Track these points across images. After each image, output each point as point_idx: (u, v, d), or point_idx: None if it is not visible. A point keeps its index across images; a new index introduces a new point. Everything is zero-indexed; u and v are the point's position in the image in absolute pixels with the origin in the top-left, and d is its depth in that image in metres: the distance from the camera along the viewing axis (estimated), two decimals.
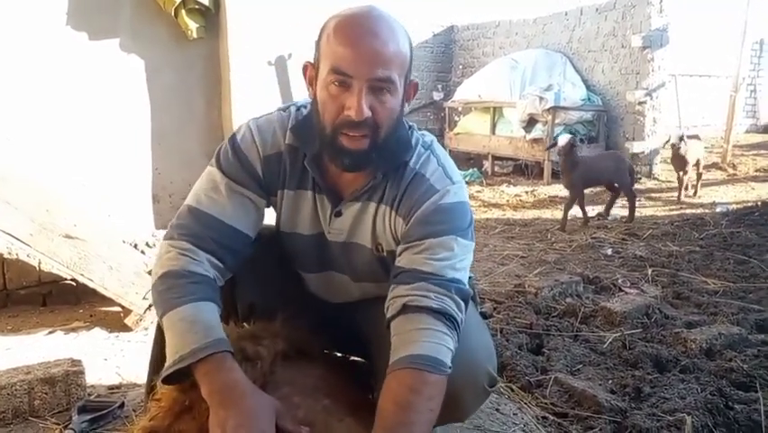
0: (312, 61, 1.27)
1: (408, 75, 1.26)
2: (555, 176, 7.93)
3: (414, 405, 1.12)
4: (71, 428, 1.69)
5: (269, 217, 1.47)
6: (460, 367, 1.21)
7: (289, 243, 1.45)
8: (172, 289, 1.21)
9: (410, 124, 1.38)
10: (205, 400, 1.11)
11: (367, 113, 1.18)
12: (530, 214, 5.93)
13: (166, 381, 1.17)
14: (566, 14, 9.09)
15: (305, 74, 1.30)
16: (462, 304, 1.24)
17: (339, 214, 1.36)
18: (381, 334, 1.27)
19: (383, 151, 1.25)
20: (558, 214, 6.02)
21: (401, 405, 1.11)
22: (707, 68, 12.74)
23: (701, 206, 6.29)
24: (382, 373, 1.21)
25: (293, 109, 1.38)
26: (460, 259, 1.27)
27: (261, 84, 3.08)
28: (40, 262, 2.86)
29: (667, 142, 6.22)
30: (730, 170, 8.27)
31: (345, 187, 1.35)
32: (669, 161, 6.33)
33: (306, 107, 1.37)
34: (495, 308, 3.03)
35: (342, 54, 1.17)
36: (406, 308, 1.21)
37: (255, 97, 3.02)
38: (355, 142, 1.21)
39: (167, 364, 1.16)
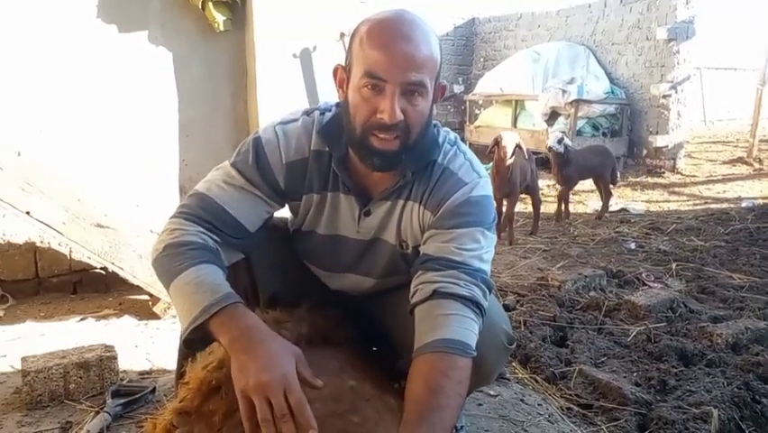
0: (343, 64, 1.29)
1: (438, 77, 1.28)
2: None
3: (445, 389, 1.14)
4: (106, 411, 1.73)
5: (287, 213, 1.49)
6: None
7: (306, 242, 1.47)
8: (173, 259, 1.23)
9: (435, 122, 1.40)
10: (231, 380, 1.11)
11: (399, 116, 1.20)
12: (552, 207, 5.89)
13: (187, 344, 1.20)
14: (590, 6, 8.99)
15: (335, 76, 1.32)
16: (487, 292, 1.29)
17: (368, 213, 1.39)
18: (404, 319, 1.29)
19: (413, 151, 1.28)
20: (580, 208, 6.00)
21: (433, 389, 1.13)
22: (733, 61, 12.51)
23: (726, 200, 6.21)
24: (406, 356, 1.23)
25: (317, 114, 1.39)
26: (486, 251, 1.30)
27: (287, 76, 3.09)
28: (71, 251, 2.94)
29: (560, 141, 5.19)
30: (756, 165, 8.13)
31: (374, 186, 1.37)
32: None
33: (330, 111, 1.39)
34: (518, 301, 3.03)
35: (376, 58, 1.19)
36: (436, 294, 1.23)
37: (280, 89, 3.04)
38: (386, 143, 1.24)
39: (183, 328, 1.18)
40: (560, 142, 5.08)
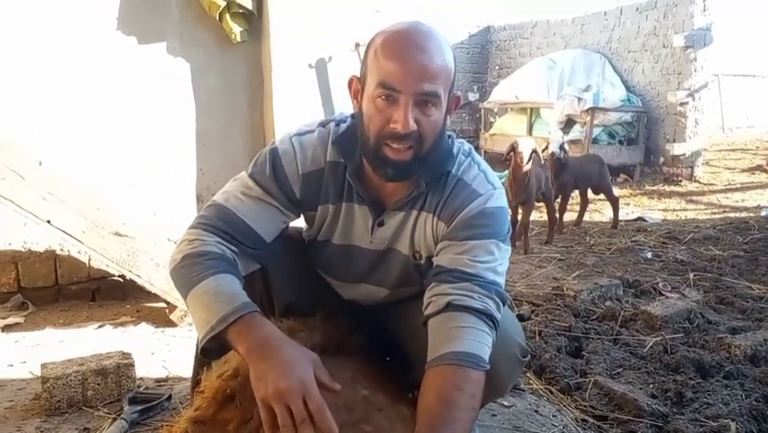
0: (358, 75, 1.31)
1: (452, 89, 1.29)
2: None
3: (458, 402, 1.14)
4: (123, 418, 1.75)
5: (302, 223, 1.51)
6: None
7: (321, 252, 1.49)
8: (191, 269, 1.25)
9: (449, 133, 1.41)
10: (247, 390, 1.13)
11: (413, 126, 1.22)
12: (567, 217, 5.86)
13: (204, 353, 1.22)
14: (605, 14, 8.97)
15: (350, 87, 1.34)
16: (501, 305, 1.28)
17: (382, 223, 1.40)
18: (417, 333, 1.30)
19: (426, 162, 1.29)
20: (596, 216, 5.95)
21: (445, 402, 1.14)
22: (752, 67, 12.39)
23: (745, 209, 6.13)
24: (419, 368, 1.24)
25: (332, 125, 1.41)
26: (500, 263, 1.31)
27: (302, 86, 3.13)
28: (90, 259, 2.98)
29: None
30: None
31: (387, 197, 1.39)
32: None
33: (345, 122, 1.41)
34: (533, 311, 3.02)
35: (391, 69, 1.20)
36: (449, 306, 1.24)
37: (296, 99, 3.08)
38: (399, 153, 1.25)
39: (200, 337, 1.20)
40: (561, 148, 4.95)
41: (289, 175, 1.37)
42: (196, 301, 1.23)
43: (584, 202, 5.52)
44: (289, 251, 1.48)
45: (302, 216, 1.47)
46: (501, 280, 1.30)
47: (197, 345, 1.55)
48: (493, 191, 1.34)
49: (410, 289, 1.44)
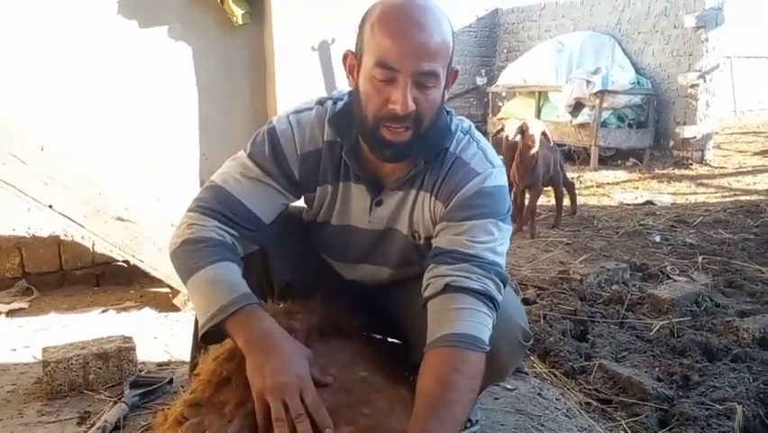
0: (353, 50, 1.27)
1: (451, 63, 1.26)
2: (602, 162, 7.77)
3: (456, 384, 1.12)
4: (124, 402, 1.76)
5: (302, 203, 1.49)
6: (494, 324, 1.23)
7: (321, 232, 1.47)
8: (192, 255, 1.25)
9: (448, 109, 1.38)
10: (243, 372, 1.14)
11: (412, 107, 1.18)
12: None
13: (204, 340, 1.22)
14: None
15: (345, 62, 1.30)
16: (501, 286, 1.25)
17: (380, 203, 1.38)
18: (417, 314, 1.28)
19: (424, 140, 1.26)
20: (605, 201, 5.90)
21: (444, 383, 1.12)
22: (764, 49, 12.17)
23: (756, 192, 6.05)
24: (419, 350, 1.22)
25: (330, 103, 1.38)
26: (500, 243, 1.28)
27: (305, 69, 3.09)
28: (93, 244, 2.99)
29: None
30: None
31: (385, 176, 1.36)
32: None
33: (342, 99, 1.38)
34: (538, 295, 2.99)
35: (388, 47, 1.16)
36: (448, 288, 1.21)
37: (299, 83, 3.04)
38: (398, 134, 1.22)
39: (200, 325, 1.20)
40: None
41: (288, 156, 1.34)
42: (196, 288, 1.23)
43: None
44: (289, 231, 1.46)
45: (303, 197, 1.44)
46: (501, 260, 1.27)
47: (195, 330, 1.55)
48: (492, 169, 1.31)
49: (413, 269, 1.41)
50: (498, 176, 1.31)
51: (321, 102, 1.39)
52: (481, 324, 1.19)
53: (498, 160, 1.35)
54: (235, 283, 1.22)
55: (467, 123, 1.40)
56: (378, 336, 1.61)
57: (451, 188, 1.30)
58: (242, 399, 1.15)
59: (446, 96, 1.29)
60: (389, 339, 1.62)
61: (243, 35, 3.13)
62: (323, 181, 1.39)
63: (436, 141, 1.31)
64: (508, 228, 1.31)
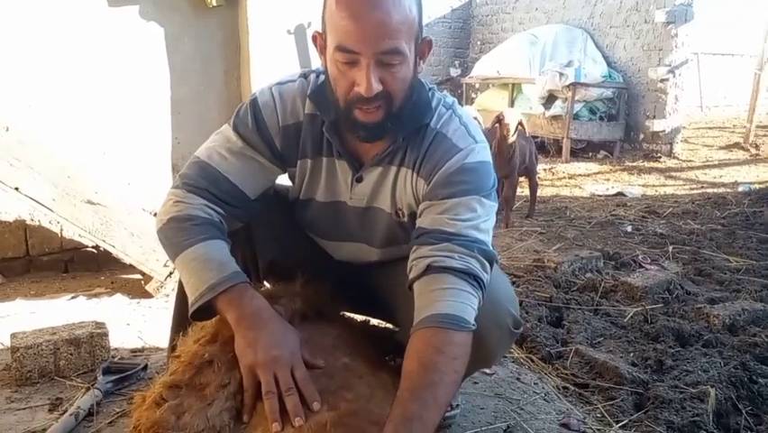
0: (320, 31, 1.25)
1: (419, 36, 1.22)
2: (574, 154, 7.86)
3: (438, 365, 1.11)
4: (97, 388, 1.70)
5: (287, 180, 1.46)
6: (483, 307, 1.21)
7: (306, 210, 1.45)
8: (179, 232, 1.25)
9: (431, 86, 1.36)
10: (226, 354, 1.15)
11: (377, 88, 1.16)
12: (548, 191, 5.88)
13: (194, 317, 1.23)
14: None
15: (315, 43, 1.28)
16: (487, 264, 1.23)
17: (360, 179, 1.36)
18: (404, 294, 1.26)
19: (399, 118, 1.24)
20: (577, 192, 5.97)
21: (426, 365, 1.11)
22: (730, 46, 12.45)
23: (723, 185, 6.20)
24: (406, 333, 1.21)
25: (313, 77, 1.36)
26: (483, 220, 1.25)
27: (281, 53, 3.05)
28: (62, 229, 2.90)
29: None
30: (753, 150, 8.12)
31: (366, 152, 1.34)
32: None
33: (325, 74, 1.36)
34: (514, 282, 3.01)
35: (347, 29, 1.13)
36: (429, 269, 1.20)
37: (274, 66, 3.00)
38: (369, 115, 1.20)
39: (190, 303, 1.21)
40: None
41: (270, 128, 1.33)
42: (185, 266, 1.24)
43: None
44: (274, 208, 1.44)
45: (287, 173, 1.42)
46: (485, 237, 1.24)
47: (175, 313, 1.51)
48: (474, 145, 1.28)
49: (401, 249, 1.38)
50: (480, 151, 1.29)
51: (305, 75, 1.37)
52: (464, 303, 1.17)
53: (481, 135, 1.32)
54: (225, 261, 1.22)
55: (450, 98, 1.37)
56: (360, 318, 1.59)
57: (432, 165, 1.27)
58: (224, 381, 1.14)
59: (421, 68, 1.26)
60: (373, 321, 1.61)
61: (218, 17, 3.06)
62: (303, 156, 1.37)
63: (414, 117, 1.28)
64: (493, 204, 1.28)
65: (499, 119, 4.23)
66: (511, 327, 1.33)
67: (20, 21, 2.67)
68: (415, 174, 1.31)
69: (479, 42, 11.10)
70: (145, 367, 1.88)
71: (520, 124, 4.20)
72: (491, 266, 1.24)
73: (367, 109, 1.19)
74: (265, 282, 1.48)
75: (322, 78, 1.34)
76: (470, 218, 1.23)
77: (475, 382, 1.88)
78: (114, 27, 2.85)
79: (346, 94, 1.19)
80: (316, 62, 3.09)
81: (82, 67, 2.82)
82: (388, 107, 1.20)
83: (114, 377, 1.78)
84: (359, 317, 1.62)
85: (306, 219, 1.47)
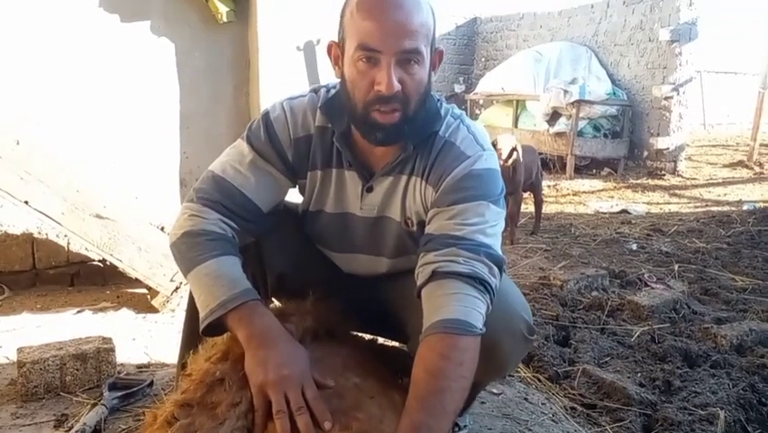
0: (336, 40, 1.27)
1: (434, 44, 1.26)
2: (578, 171, 7.87)
3: (444, 372, 1.10)
4: (102, 404, 1.70)
5: (298, 196, 1.47)
6: (494, 314, 1.20)
7: (315, 222, 1.45)
8: (193, 247, 1.25)
9: (438, 96, 1.38)
10: (237, 373, 1.14)
11: (397, 86, 1.18)
12: (553, 208, 5.88)
13: (205, 333, 1.22)
14: (592, 7, 8.97)
15: (329, 54, 1.30)
16: (495, 269, 1.21)
17: (371, 189, 1.37)
18: (413, 306, 1.26)
19: (414, 123, 1.25)
20: (582, 209, 5.97)
21: (432, 372, 1.10)
22: (733, 65, 12.51)
23: (727, 203, 6.19)
24: (416, 344, 1.20)
25: (323, 91, 1.38)
26: (491, 225, 1.24)
27: (290, 69, 3.06)
28: (68, 243, 2.91)
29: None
30: (757, 169, 8.12)
31: (376, 162, 1.35)
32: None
33: (335, 88, 1.38)
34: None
35: (368, 29, 1.17)
36: (435, 275, 1.19)
37: (283, 82, 3.01)
38: (387, 116, 1.21)
39: (201, 319, 1.21)
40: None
41: (282, 141, 1.35)
42: (197, 282, 1.24)
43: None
44: (284, 222, 1.45)
45: (298, 186, 1.43)
46: (492, 241, 1.23)
47: (185, 330, 1.51)
48: (482, 152, 1.29)
49: (410, 260, 1.37)
50: (488, 159, 1.29)
51: (315, 90, 1.40)
52: (468, 307, 1.15)
53: (488, 143, 1.33)
54: (236, 278, 1.22)
55: (457, 110, 1.39)
56: (369, 337, 1.59)
57: (440, 172, 1.28)
58: (235, 400, 1.12)
59: (434, 77, 1.29)
60: (381, 339, 1.60)
61: (228, 33, 3.08)
62: (313, 167, 1.38)
63: (426, 124, 1.30)
64: (500, 211, 1.27)
65: (493, 144, 4.23)
66: (525, 334, 1.31)
67: (32, 35, 2.69)
68: (423, 182, 1.32)
69: (483, 59, 11.18)
70: (151, 383, 1.87)
71: (514, 149, 4.20)
72: (500, 270, 1.23)
73: (385, 111, 1.21)
74: (273, 298, 1.48)
75: (332, 92, 1.36)
76: (478, 223, 1.22)
77: (483, 402, 1.87)
78: (125, 42, 2.87)
79: (365, 95, 1.21)
80: (325, 79, 3.12)
81: (93, 81, 2.83)
82: (404, 110, 1.22)
83: (120, 393, 1.77)
84: (368, 337, 1.61)
85: (316, 231, 1.48)
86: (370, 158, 1.35)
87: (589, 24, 8.96)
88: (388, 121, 1.22)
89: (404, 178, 1.34)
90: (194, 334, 1.32)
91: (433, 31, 1.24)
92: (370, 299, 1.49)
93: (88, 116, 2.84)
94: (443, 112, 1.34)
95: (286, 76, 3.03)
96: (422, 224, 1.33)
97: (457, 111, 1.38)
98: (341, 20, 1.24)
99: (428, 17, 1.22)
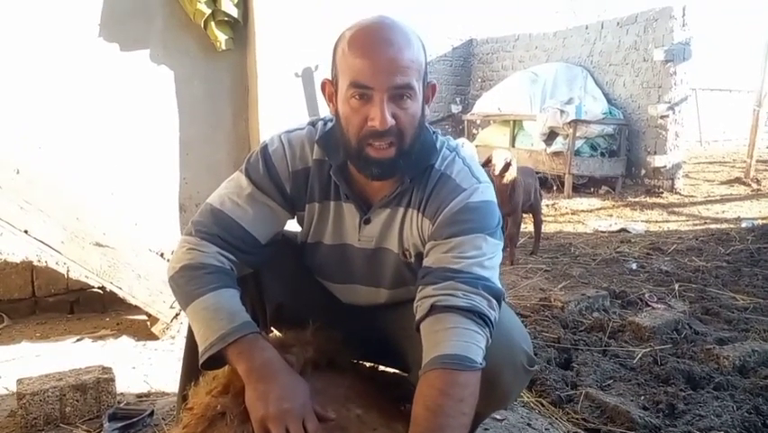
0: (330, 78, 1.29)
1: (426, 78, 1.28)
2: (576, 190, 7.89)
3: (444, 408, 1.10)
4: None
5: (296, 225, 1.48)
6: (494, 346, 1.20)
7: (314, 254, 1.46)
8: (191, 281, 1.26)
9: (434, 129, 1.39)
10: (239, 406, 1.14)
11: (391, 121, 1.19)
12: (552, 227, 5.89)
13: (204, 366, 1.22)
14: (587, 28, 9.07)
15: (323, 91, 1.32)
16: (494, 302, 1.21)
17: (368, 221, 1.37)
18: (412, 337, 1.26)
19: (409, 156, 1.26)
20: (581, 228, 5.98)
21: (432, 409, 1.10)
22: (728, 82, 12.63)
23: (726, 221, 6.20)
24: (416, 377, 1.19)
25: (320, 124, 1.40)
26: (488, 257, 1.25)
27: (288, 95, 3.09)
28: (68, 270, 2.90)
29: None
30: (754, 185, 8.15)
31: (373, 194, 1.36)
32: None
33: (333, 121, 1.39)
34: (521, 322, 2.98)
35: (360, 67, 1.18)
36: (434, 309, 1.19)
37: (282, 109, 3.03)
38: (382, 151, 1.22)
39: (200, 353, 1.21)
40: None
41: (281, 173, 1.36)
42: (196, 315, 1.24)
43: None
44: (282, 252, 1.45)
45: (296, 217, 1.44)
46: (490, 273, 1.23)
47: (185, 361, 1.51)
48: (478, 185, 1.30)
49: (408, 291, 1.38)
50: (484, 191, 1.30)
51: (312, 123, 1.41)
52: (468, 342, 1.15)
53: (484, 176, 1.34)
54: (235, 311, 1.22)
55: (453, 142, 1.41)
56: (371, 366, 1.58)
57: (437, 205, 1.29)
58: None
59: (427, 112, 1.30)
60: (383, 368, 1.59)
61: (227, 60, 3.12)
62: (310, 199, 1.40)
63: (421, 157, 1.31)
64: (498, 243, 1.28)
65: (489, 159, 4.27)
66: (525, 365, 1.31)
67: (31, 64, 2.72)
68: (420, 215, 1.33)
69: (479, 80, 11.27)
70: (151, 413, 1.86)
71: (509, 164, 4.21)
72: (499, 303, 1.23)
73: (379, 146, 1.22)
74: (272, 328, 1.48)
75: (329, 125, 1.38)
76: (475, 255, 1.23)
77: (486, 429, 1.85)
78: (124, 70, 2.90)
79: (359, 130, 1.22)
80: (323, 104, 3.12)
81: (93, 109, 2.86)
82: (399, 144, 1.23)
83: (120, 424, 1.77)
84: (369, 364, 1.60)
85: (315, 263, 1.48)
86: (368, 190, 1.36)
87: (584, 45, 9.06)
88: (383, 156, 1.23)
89: (401, 210, 1.35)
90: (194, 365, 1.31)
91: (424, 65, 1.25)
92: (369, 328, 1.49)
93: (88, 144, 2.86)
94: (438, 145, 1.35)
95: (284, 102, 3.05)
96: (420, 255, 1.33)
97: (453, 143, 1.39)
98: (333, 58, 1.26)
99: (419, 52, 1.23)
